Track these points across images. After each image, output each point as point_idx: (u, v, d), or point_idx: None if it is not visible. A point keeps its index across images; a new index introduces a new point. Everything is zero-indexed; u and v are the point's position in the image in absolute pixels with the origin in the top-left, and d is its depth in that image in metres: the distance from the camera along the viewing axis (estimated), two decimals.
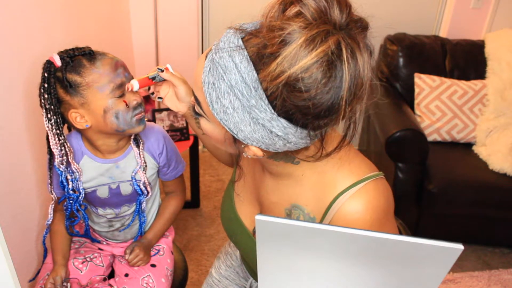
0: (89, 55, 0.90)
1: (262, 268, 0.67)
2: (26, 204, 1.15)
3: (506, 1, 2.41)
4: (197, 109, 0.65)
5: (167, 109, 1.98)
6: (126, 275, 1.07)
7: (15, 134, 1.08)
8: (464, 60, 2.26)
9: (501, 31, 2.29)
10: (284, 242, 0.62)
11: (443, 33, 2.49)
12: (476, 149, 2.10)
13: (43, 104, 0.90)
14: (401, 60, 2.23)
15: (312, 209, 0.71)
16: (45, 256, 1.09)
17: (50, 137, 0.93)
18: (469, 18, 2.46)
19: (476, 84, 2.14)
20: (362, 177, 0.67)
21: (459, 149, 2.11)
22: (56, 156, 0.94)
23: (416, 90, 2.15)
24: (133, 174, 1.03)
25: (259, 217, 0.58)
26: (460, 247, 0.55)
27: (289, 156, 0.68)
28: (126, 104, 0.92)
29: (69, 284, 1.01)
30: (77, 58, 0.90)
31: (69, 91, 0.89)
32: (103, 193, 1.03)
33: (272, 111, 0.56)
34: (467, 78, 2.21)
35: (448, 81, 2.13)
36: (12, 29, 1.04)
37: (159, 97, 0.96)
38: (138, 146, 1.03)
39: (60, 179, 0.97)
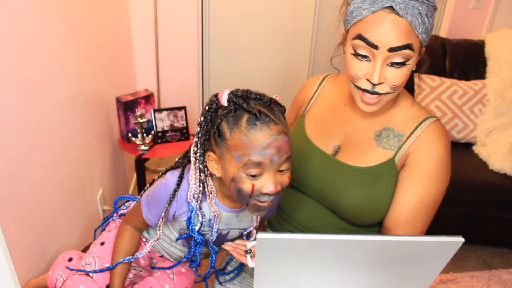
0: (254, 116, 0.77)
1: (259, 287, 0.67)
2: (26, 204, 1.15)
3: (506, 1, 2.40)
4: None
5: (167, 109, 1.98)
6: None
7: (15, 133, 1.08)
8: (464, 60, 2.25)
9: (501, 31, 2.28)
10: (285, 258, 0.62)
11: (443, 33, 2.49)
12: (476, 149, 2.10)
13: (196, 134, 0.85)
14: None
15: (401, 129, 0.92)
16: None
17: (192, 168, 0.87)
18: (469, 18, 2.46)
19: (476, 84, 2.14)
20: (431, 114, 0.94)
21: (459, 149, 2.11)
22: (191, 189, 0.87)
23: (416, 90, 2.15)
24: (246, 233, 0.98)
25: (260, 236, 0.58)
26: (460, 239, 0.56)
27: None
28: (252, 189, 0.80)
29: None
30: (242, 110, 0.78)
31: (215, 138, 0.81)
32: (210, 236, 0.96)
33: None
34: (467, 78, 2.21)
35: (448, 81, 2.13)
36: (11, 28, 1.04)
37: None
38: None
39: (189, 215, 0.89)
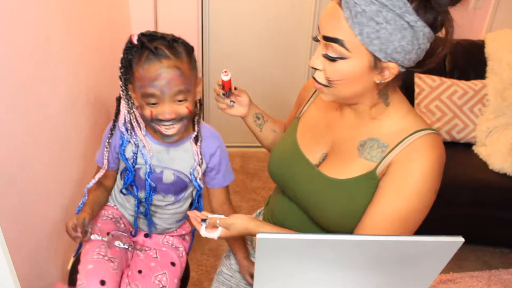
0: (151, 51, 0.90)
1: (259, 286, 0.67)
2: (27, 203, 1.14)
3: (506, 1, 2.40)
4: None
5: None
6: (140, 271, 1.06)
7: (14, 133, 1.08)
8: (464, 60, 2.25)
9: (501, 31, 2.28)
10: (285, 258, 0.62)
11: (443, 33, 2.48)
12: (476, 149, 2.10)
13: (119, 70, 0.96)
14: None
15: (387, 140, 0.85)
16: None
17: (122, 101, 0.99)
18: (469, 18, 2.46)
19: (476, 84, 2.14)
20: (428, 126, 0.85)
21: (459, 149, 2.11)
22: (121, 119, 1.00)
23: (416, 90, 2.15)
24: (191, 170, 1.05)
25: (260, 236, 0.58)
26: (460, 239, 0.56)
27: (386, 94, 0.85)
28: (151, 115, 0.93)
29: (90, 229, 0.98)
30: (145, 47, 0.91)
31: (129, 72, 0.95)
32: (144, 173, 1.05)
33: (415, 13, 0.71)
34: (467, 78, 2.21)
35: (448, 81, 2.13)
36: (11, 27, 1.04)
37: (231, 101, 1.06)
38: (196, 143, 1.04)
39: (121, 142, 1.02)
